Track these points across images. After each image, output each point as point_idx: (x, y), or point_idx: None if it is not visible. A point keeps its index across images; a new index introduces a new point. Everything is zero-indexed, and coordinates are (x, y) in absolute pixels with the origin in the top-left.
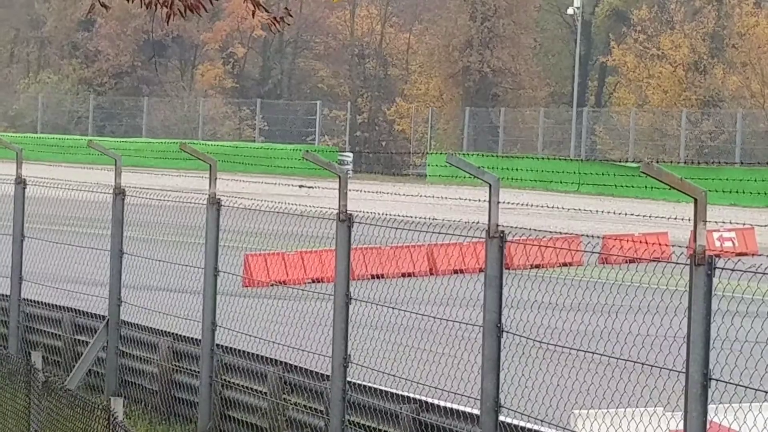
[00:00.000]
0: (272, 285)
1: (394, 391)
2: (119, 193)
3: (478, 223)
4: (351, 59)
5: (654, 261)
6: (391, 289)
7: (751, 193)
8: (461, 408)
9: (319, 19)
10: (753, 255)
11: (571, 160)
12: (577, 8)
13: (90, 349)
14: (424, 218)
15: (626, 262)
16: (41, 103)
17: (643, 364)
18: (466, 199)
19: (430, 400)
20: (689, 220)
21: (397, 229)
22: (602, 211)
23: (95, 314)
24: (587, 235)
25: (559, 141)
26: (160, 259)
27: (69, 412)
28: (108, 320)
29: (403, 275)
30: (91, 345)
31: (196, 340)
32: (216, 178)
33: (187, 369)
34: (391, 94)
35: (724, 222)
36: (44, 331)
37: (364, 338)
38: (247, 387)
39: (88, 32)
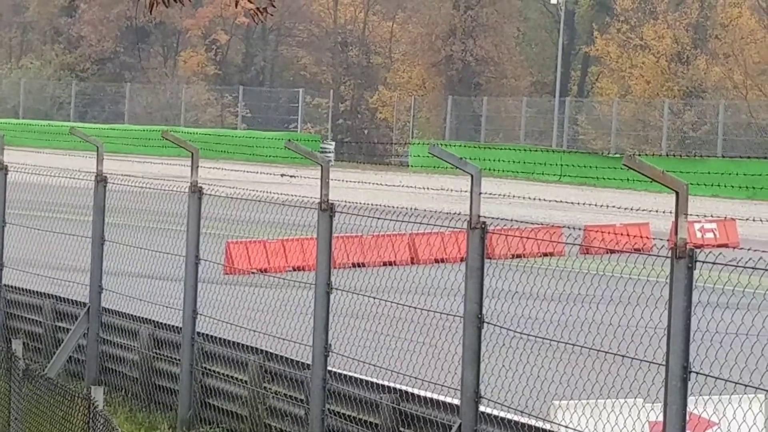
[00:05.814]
0: (253, 273)
1: (374, 380)
2: (101, 180)
3: (459, 214)
4: (334, 47)
5: (635, 253)
6: (372, 278)
7: (732, 186)
8: (441, 398)
9: (302, 7)
10: (734, 248)
11: (553, 150)
12: None
13: (71, 336)
14: (406, 207)
15: (607, 252)
16: (23, 89)
17: (623, 356)
18: (448, 189)
19: (410, 389)
20: (671, 212)
21: (378, 219)
22: (584, 203)
23: (76, 301)
24: (568, 226)
25: (542, 131)
26: (142, 246)
27: (49, 400)
28: (89, 307)
29: (385, 264)
30: (71, 332)
31: (177, 327)
32: (198, 166)
33: (167, 357)
34: (374, 83)
35: (705, 215)
36: (25, 317)
37: (345, 327)
38: (227, 375)
39: (70, 18)
